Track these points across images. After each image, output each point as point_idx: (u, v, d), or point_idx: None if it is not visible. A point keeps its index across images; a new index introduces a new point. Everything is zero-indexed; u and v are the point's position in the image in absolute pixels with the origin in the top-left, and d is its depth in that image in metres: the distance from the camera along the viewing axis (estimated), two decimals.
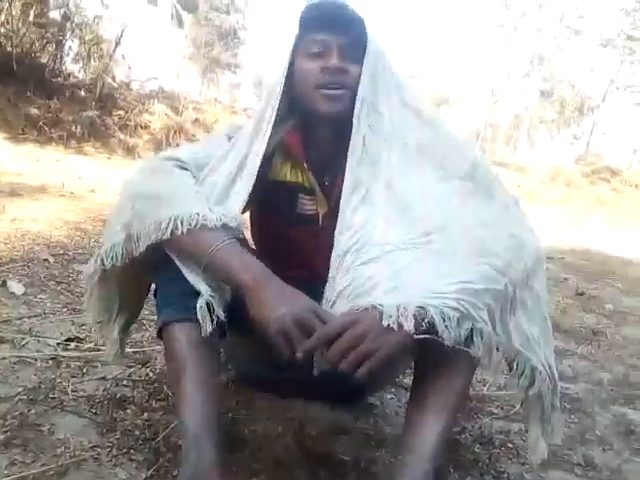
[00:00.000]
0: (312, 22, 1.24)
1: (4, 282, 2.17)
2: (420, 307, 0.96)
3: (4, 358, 1.57)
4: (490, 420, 1.68)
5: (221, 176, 1.22)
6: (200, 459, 1.00)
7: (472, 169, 1.20)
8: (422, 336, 0.95)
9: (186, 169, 1.20)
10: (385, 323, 0.95)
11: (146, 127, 8.84)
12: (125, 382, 1.56)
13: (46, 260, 2.60)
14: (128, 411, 1.41)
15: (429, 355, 1.07)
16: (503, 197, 1.21)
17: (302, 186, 1.33)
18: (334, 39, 1.22)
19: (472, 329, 1.00)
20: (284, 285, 1.04)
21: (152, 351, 1.78)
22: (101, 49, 9.10)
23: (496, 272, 1.04)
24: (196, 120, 9.71)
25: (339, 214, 1.16)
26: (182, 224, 1.07)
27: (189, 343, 1.08)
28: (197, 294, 1.08)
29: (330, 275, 1.14)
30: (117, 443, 1.26)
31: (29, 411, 1.33)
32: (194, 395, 1.06)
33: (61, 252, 2.78)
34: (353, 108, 1.20)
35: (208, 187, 1.20)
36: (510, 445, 1.54)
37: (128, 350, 1.75)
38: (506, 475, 1.38)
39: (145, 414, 1.40)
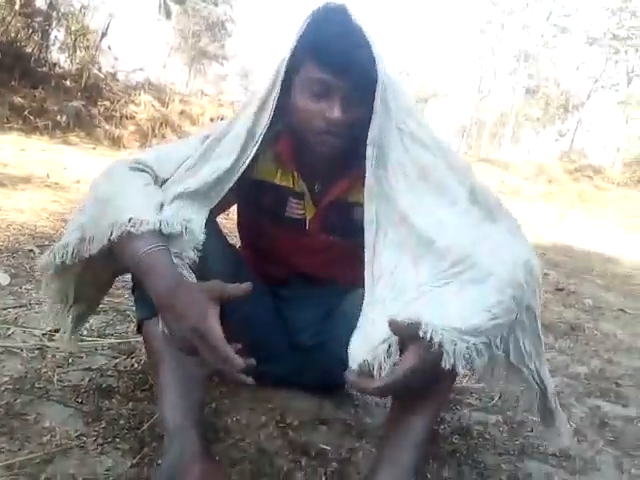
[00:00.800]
0: (315, 55, 1.18)
1: None
2: (467, 347, 0.98)
3: None
4: (469, 412, 1.71)
5: (202, 175, 1.22)
6: (182, 449, 1.02)
7: (471, 193, 1.22)
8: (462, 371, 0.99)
9: (144, 171, 1.21)
10: (443, 365, 0.96)
11: (132, 118, 8.82)
12: (110, 372, 1.58)
13: (31, 251, 2.61)
14: (113, 401, 1.43)
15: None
16: (508, 220, 1.22)
17: (292, 190, 1.35)
18: (338, 84, 1.17)
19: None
20: (188, 300, 1.01)
21: (137, 342, 1.80)
22: (87, 39, 9.07)
23: (516, 305, 1.07)
24: (182, 112, 9.70)
25: (365, 267, 1.18)
26: (114, 231, 1.08)
27: (166, 337, 1.08)
28: None
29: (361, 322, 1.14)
30: (102, 432, 1.28)
31: (15, 400, 1.35)
32: (173, 388, 1.10)
33: (46, 243, 2.78)
34: (351, 139, 1.22)
35: (176, 187, 1.20)
36: (487, 436, 1.58)
37: (113, 341, 1.78)
38: (483, 465, 1.42)
39: (130, 404, 1.42)
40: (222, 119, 9.79)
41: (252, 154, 1.24)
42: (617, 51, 29.19)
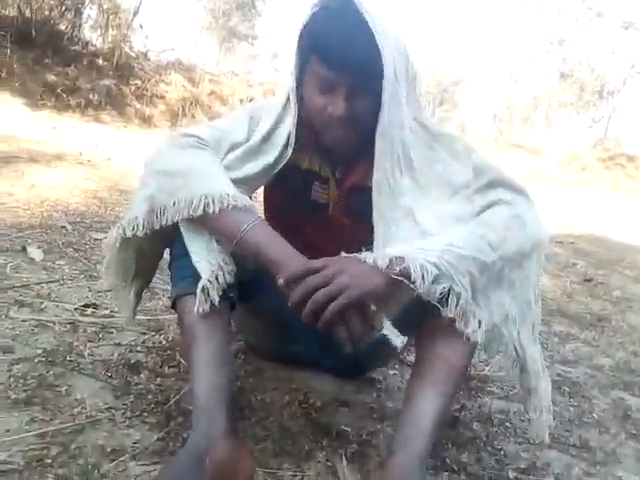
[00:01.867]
0: (317, 50, 1.18)
1: (24, 247, 2.24)
2: (400, 257, 1.03)
3: (24, 321, 1.64)
4: (490, 399, 1.73)
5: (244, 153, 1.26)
6: (209, 427, 1.04)
7: (474, 169, 1.24)
8: (396, 276, 1.02)
9: (205, 148, 1.23)
10: (362, 259, 1.03)
11: (162, 97, 8.87)
12: (139, 348, 1.62)
13: (64, 227, 2.67)
14: (142, 376, 1.47)
15: (428, 333, 1.14)
16: (512, 185, 1.22)
17: (318, 174, 1.36)
18: (342, 80, 1.16)
19: (450, 291, 1.05)
20: (306, 260, 1.08)
21: (165, 319, 1.84)
22: (119, 18, 9.11)
23: (488, 245, 1.09)
24: (212, 92, 9.72)
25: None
26: (214, 203, 1.11)
27: (200, 315, 1.12)
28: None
29: None
30: (131, 406, 1.32)
31: (48, 372, 1.40)
32: (205, 365, 1.11)
33: (79, 220, 2.84)
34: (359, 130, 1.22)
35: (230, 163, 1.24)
36: (508, 424, 1.59)
37: (142, 318, 1.82)
38: (502, 452, 1.43)
39: (158, 379, 1.46)
40: (251, 100, 9.82)
41: (290, 153, 1.27)
42: None
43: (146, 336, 1.71)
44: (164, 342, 1.68)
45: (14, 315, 1.67)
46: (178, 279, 1.21)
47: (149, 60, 9.68)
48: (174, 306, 1.22)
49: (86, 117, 7.54)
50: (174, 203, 1.14)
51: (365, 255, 1.05)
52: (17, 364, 1.41)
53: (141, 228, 1.20)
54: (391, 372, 1.80)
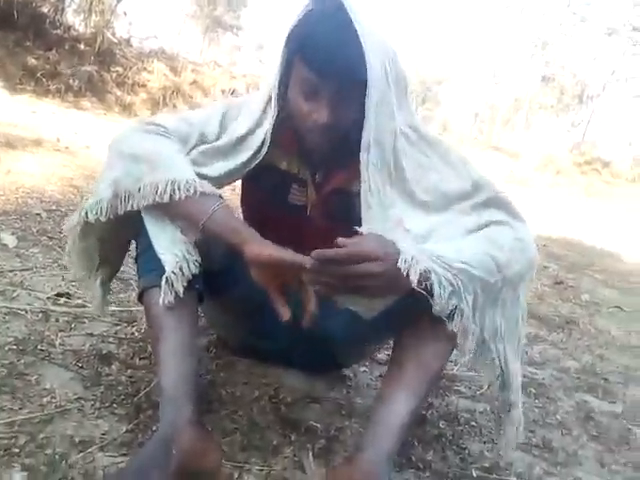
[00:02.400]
0: (303, 54, 1.17)
1: None
2: (427, 270, 1.05)
3: None
4: (457, 399, 1.76)
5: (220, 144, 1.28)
6: (176, 416, 1.06)
7: (472, 188, 1.25)
8: (420, 290, 1.05)
9: (170, 138, 1.24)
10: (400, 266, 1.04)
11: (144, 85, 8.80)
12: (111, 339, 1.63)
13: (39, 214, 2.65)
14: (112, 367, 1.47)
15: (411, 333, 1.17)
16: (509, 207, 1.26)
17: (296, 176, 1.36)
18: (325, 86, 1.16)
19: (455, 308, 1.08)
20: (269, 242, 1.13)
21: (137, 311, 1.84)
22: (103, 3, 8.99)
23: (495, 266, 1.12)
24: (194, 82, 9.66)
25: None
26: (180, 189, 1.13)
27: (165, 307, 1.14)
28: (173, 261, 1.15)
29: None
30: (101, 397, 1.33)
31: (18, 361, 1.39)
32: (171, 355, 1.13)
33: (54, 207, 2.83)
34: (342, 136, 1.23)
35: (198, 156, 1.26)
36: (474, 424, 1.62)
37: (115, 309, 1.82)
38: (467, 451, 1.46)
39: (129, 371, 1.47)
40: (233, 92, 9.78)
41: (263, 154, 1.28)
42: (636, 43, 28.84)
43: (118, 327, 1.71)
44: (136, 334, 1.69)
45: None
46: (144, 272, 1.23)
47: (131, 47, 9.58)
48: (141, 299, 1.23)
49: (66, 103, 7.46)
50: (139, 189, 1.16)
51: (403, 256, 1.05)
52: None
53: (104, 213, 1.20)
54: (361, 369, 1.82)
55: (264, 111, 1.28)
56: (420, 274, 1.04)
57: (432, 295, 1.06)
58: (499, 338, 1.20)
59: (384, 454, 1.08)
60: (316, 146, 1.26)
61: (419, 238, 1.17)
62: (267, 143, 1.27)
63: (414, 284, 1.04)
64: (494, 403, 1.77)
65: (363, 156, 1.18)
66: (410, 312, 1.14)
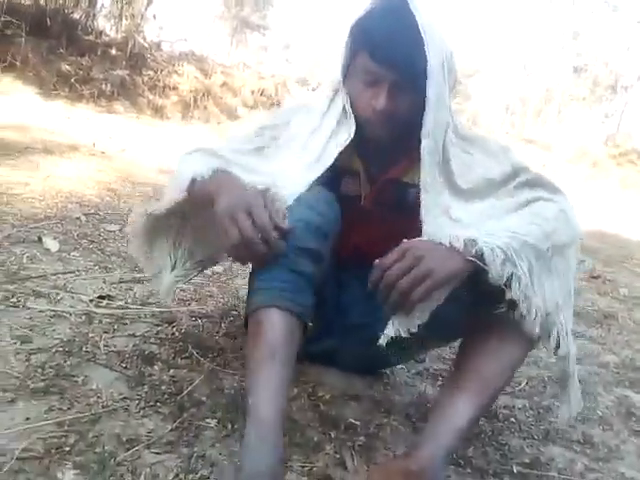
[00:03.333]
0: (366, 45, 1.23)
1: (40, 238, 2.28)
2: (472, 239, 1.07)
3: (41, 312, 1.68)
4: None
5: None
6: (266, 457, 0.99)
7: (513, 171, 1.31)
8: (473, 259, 1.06)
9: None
10: (448, 244, 1.07)
11: (175, 88, 8.91)
12: (153, 339, 1.66)
13: (78, 218, 2.71)
14: (155, 367, 1.50)
15: (479, 329, 1.17)
16: (551, 185, 1.31)
17: (349, 168, 1.38)
18: (387, 75, 1.21)
19: (512, 275, 1.09)
20: (244, 188, 1.15)
21: (177, 312, 1.88)
22: (132, 8, 9.12)
23: (543, 234, 1.14)
24: (224, 84, 9.74)
25: None
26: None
27: (285, 332, 1.10)
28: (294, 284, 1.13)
29: None
30: (145, 396, 1.36)
31: (65, 362, 1.44)
32: (278, 388, 1.06)
33: (92, 211, 2.89)
34: (401, 127, 1.26)
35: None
36: (513, 420, 1.62)
37: (155, 310, 1.86)
38: (507, 447, 1.46)
39: (171, 370, 1.50)
40: (262, 92, 9.85)
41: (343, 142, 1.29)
42: None
43: (159, 328, 1.74)
44: (177, 334, 1.72)
45: (31, 305, 1.71)
46: (261, 291, 1.14)
47: (162, 50, 9.70)
48: (246, 323, 1.18)
49: (99, 107, 7.59)
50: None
51: (439, 238, 1.09)
52: (35, 354, 1.45)
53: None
54: (399, 366, 1.83)
55: (329, 111, 1.32)
56: (467, 244, 1.06)
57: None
58: (559, 310, 1.18)
59: (442, 451, 1.08)
60: (373, 135, 1.28)
61: (466, 226, 1.20)
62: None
63: (460, 250, 1.06)
64: (533, 399, 1.77)
65: (424, 143, 1.21)
66: (477, 314, 1.16)
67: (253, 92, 9.89)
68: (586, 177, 14.19)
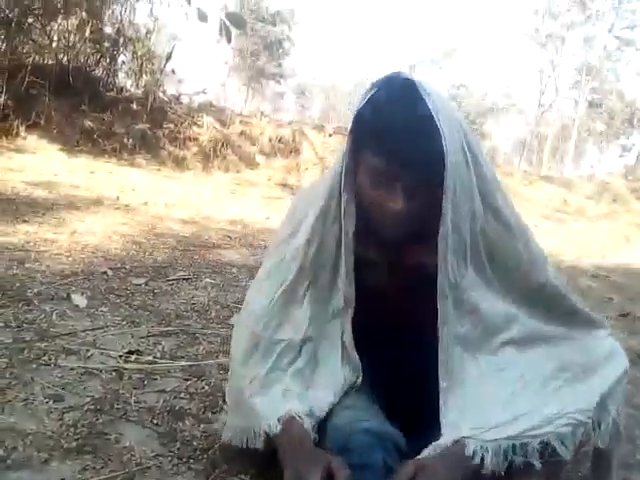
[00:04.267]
0: (372, 141, 1.10)
1: (68, 295, 2.31)
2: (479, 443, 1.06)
3: (72, 369, 1.70)
4: None
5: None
6: None
7: (539, 287, 1.25)
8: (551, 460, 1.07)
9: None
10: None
11: (195, 139, 9.07)
12: (182, 394, 1.66)
13: (105, 273, 2.75)
14: (186, 422, 1.51)
15: None
16: (588, 320, 1.30)
17: (367, 259, 1.27)
18: (400, 174, 1.08)
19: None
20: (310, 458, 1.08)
21: (205, 365, 1.88)
22: (152, 63, 9.37)
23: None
24: (242, 132, 9.90)
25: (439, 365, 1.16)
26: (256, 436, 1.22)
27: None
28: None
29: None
30: (177, 453, 1.36)
31: (97, 420, 1.44)
32: None
33: (118, 265, 2.93)
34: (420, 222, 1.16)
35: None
36: None
37: (184, 364, 1.87)
38: None
39: (202, 425, 1.50)
40: (280, 139, 9.99)
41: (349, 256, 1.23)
42: None
43: (188, 382, 1.75)
44: (206, 388, 1.72)
45: (62, 363, 1.73)
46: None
47: (181, 103, 9.92)
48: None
49: (121, 161, 7.74)
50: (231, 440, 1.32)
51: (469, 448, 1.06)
52: (68, 412, 1.46)
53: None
54: None
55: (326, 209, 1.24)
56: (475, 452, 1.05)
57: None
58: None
59: None
60: (391, 235, 1.18)
61: (492, 328, 1.18)
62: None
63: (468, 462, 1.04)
64: None
65: (441, 245, 1.11)
66: None
67: (271, 139, 10.03)
68: (608, 212, 14.07)
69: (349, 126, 1.14)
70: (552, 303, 1.26)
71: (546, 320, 1.24)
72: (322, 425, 1.17)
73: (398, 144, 1.05)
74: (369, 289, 1.27)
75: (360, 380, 1.23)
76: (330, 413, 1.19)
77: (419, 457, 1.06)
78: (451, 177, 1.07)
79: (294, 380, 1.24)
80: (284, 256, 1.32)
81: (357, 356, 1.23)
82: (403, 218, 1.12)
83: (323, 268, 1.27)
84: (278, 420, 1.15)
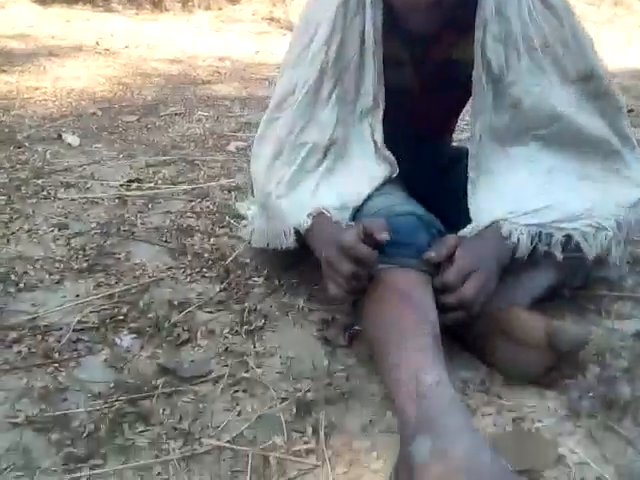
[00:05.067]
0: None
1: (59, 135, 2.25)
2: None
3: (73, 200, 1.67)
4: None
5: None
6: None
7: (588, 73, 1.14)
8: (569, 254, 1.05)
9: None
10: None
11: None
12: (189, 214, 1.65)
13: (94, 114, 2.66)
14: (195, 238, 1.50)
15: None
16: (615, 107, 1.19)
17: (392, 57, 1.17)
18: None
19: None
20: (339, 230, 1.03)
21: (209, 187, 1.85)
22: None
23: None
24: None
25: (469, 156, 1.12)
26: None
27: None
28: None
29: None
30: (190, 264, 1.36)
31: (105, 242, 1.44)
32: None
33: (107, 106, 2.82)
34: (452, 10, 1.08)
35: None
36: None
37: (187, 187, 1.83)
38: None
39: (212, 239, 1.49)
40: None
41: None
42: None
43: (193, 203, 1.72)
44: (211, 207, 1.70)
45: (62, 196, 1.70)
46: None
47: None
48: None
49: (97, 8, 7.27)
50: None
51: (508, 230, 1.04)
52: (74, 238, 1.46)
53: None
54: None
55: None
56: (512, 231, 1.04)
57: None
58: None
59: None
60: (420, 24, 1.10)
61: (533, 124, 1.12)
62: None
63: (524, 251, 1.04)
64: None
65: (479, 32, 1.03)
66: None
67: None
68: (609, 17, 13.45)
69: None
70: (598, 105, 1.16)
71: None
72: (357, 217, 1.10)
73: None
74: (391, 88, 1.17)
75: (395, 176, 1.17)
76: (364, 204, 1.12)
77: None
78: None
79: (322, 179, 1.17)
80: (306, 61, 1.18)
81: (391, 153, 1.16)
82: (434, 2, 1.01)
83: (347, 67, 1.16)
84: (307, 216, 1.10)
